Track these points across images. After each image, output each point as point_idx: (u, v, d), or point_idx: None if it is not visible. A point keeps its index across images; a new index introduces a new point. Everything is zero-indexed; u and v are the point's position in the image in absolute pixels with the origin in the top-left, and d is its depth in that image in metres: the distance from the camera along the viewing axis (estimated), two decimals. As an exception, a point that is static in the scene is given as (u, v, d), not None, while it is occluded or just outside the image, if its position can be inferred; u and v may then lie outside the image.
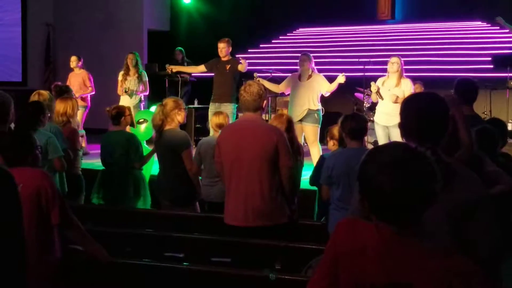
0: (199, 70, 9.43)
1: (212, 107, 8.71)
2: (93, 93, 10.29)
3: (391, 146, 1.93)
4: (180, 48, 12.95)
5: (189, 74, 11.43)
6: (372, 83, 7.93)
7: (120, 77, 9.76)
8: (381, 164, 1.80)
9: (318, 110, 7.99)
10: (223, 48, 8.78)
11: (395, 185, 1.77)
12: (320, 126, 7.98)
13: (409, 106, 2.50)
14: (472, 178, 2.39)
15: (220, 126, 5.78)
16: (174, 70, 9.89)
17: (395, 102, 7.42)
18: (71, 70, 10.50)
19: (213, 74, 9.01)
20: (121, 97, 9.64)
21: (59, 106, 6.14)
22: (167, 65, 9.86)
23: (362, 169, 1.86)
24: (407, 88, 7.57)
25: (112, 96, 9.96)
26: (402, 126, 2.50)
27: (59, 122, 6.05)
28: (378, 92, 7.77)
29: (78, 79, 10.18)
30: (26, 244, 2.22)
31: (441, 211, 1.87)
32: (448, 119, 2.47)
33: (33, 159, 3.61)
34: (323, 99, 8.18)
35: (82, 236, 3.63)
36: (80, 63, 10.41)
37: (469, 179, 2.38)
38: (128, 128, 6.80)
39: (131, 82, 9.63)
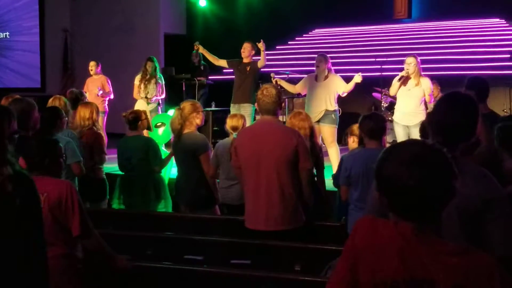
0: (220, 63, 9.29)
1: (232, 109, 8.71)
2: (112, 96, 10.32)
3: (409, 143, 1.93)
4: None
5: (206, 75, 11.43)
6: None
7: (136, 82, 9.77)
8: (400, 161, 1.80)
9: (335, 110, 7.94)
10: (246, 48, 8.78)
11: (415, 182, 1.76)
12: (337, 126, 7.96)
13: (453, 104, 2.50)
14: (483, 175, 2.38)
15: (234, 128, 5.65)
16: (200, 51, 9.55)
17: (430, 102, 7.37)
18: (89, 75, 10.54)
19: (232, 76, 9.01)
20: (137, 102, 9.64)
21: (84, 111, 6.16)
22: (196, 43, 9.50)
23: (380, 166, 1.85)
24: (427, 86, 7.50)
25: (129, 101, 9.98)
26: (436, 122, 2.48)
27: (84, 127, 6.09)
28: (402, 78, 7.52)
29: (97, 84, 10.17)
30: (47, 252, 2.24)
31: (452, 208, 1.86)
32: (476, 125, 2.46)
33: (57, 167, 3.60)
34: (340, 100, 8.14)
35: (100, 246, 3.63)
36: (98, 69, 10.46)
37: (480, 176, 2.36)
38: (146, 132, 6.82)
39: (151, 88, 9.62)
